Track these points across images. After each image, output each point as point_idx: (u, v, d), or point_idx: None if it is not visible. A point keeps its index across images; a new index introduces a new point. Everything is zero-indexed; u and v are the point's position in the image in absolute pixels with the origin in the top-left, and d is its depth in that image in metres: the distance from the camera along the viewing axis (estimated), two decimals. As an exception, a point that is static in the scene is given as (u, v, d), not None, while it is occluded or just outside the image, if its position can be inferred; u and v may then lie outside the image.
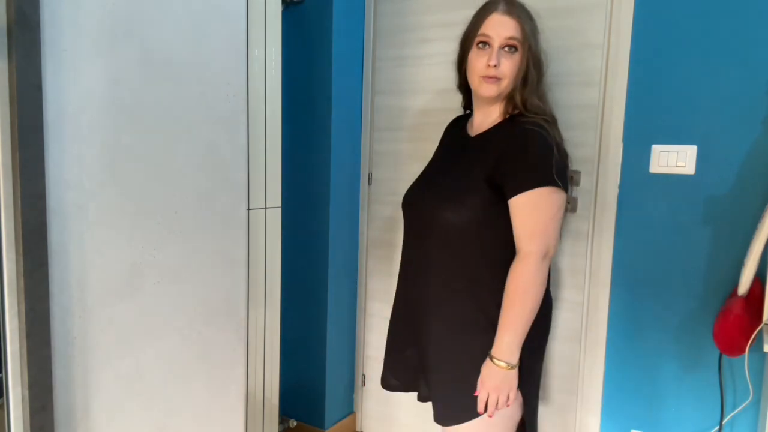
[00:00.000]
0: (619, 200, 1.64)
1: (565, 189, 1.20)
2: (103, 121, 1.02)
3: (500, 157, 1.20)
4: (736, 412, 1.53)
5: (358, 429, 2.23)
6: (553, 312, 1.47)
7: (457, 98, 1.48)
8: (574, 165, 1.70)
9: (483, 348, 1.22)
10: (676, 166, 1.56)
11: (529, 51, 1.24)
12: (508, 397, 1.20)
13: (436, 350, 1.31)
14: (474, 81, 1.27)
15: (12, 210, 0.89)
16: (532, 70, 1.25)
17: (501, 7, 1.23)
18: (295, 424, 2.07)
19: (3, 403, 0.93)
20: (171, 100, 1.14)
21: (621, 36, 1.60)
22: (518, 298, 1.17)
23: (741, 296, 1.38)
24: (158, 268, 1.14)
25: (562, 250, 1.73)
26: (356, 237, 2.15)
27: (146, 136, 1.10)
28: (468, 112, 1.48)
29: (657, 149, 1.58)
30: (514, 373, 1.19)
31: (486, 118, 1.33)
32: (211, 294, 1.27)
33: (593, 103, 1.66)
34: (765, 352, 1.22)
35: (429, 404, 1.42)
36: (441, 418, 1.31)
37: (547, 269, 1.22)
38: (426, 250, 1.30)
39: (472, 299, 1.26)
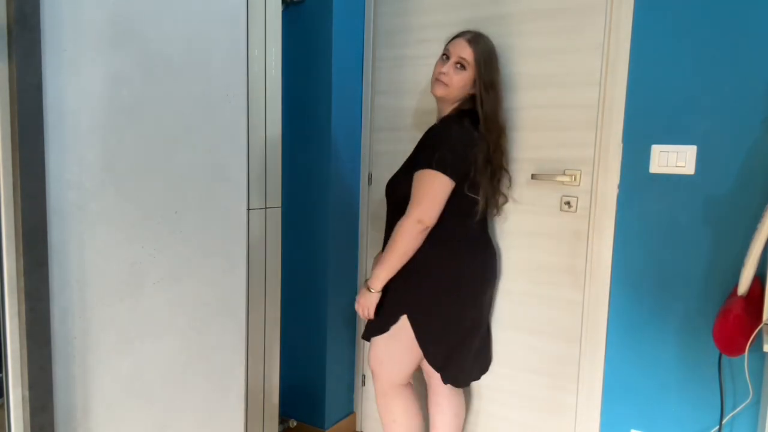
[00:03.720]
0: (618, 200, 1.64)
1: (452, 177, 1.48)
2: (103, 121, 1.02)
3: (419, 145, 1.60)
4: (735, 412, 1.53)
5: (358, 429, 2.23)
6: (468, 288, 1.62)
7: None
8: (574, 165, 1.70)
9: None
10: (676, 166, 1.56)
11: (479, 74, 1.55)
12: (368, 311, 1.59)
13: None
14: (431, 80, 1.62)
15: (12, 209, 0.89)
16: (482, 90, 1.56)
17: (467, 36, 1.58)
18: (295, 424, 2.07)
19: (3, 403, 0.93)
20: (171, 99, 1.14)
21: (621, 36, 1.60)
22: (392, 244, 1.51)
23: (741, 296, 1.38)
24: (158, 268, 1.14)
25: (561, 251, 1.74)
26: (356, 237, 2.15)
27: (146, 136, 1.10)
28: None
29: (657, 149, 1.58)
30: (376, 296, 1.56)
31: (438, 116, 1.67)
32: (211, 294, 1.27)
33: (593, 103, 1.66)
34: (765, 352, 1.22)
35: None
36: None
37: (422, 233, 1.49)
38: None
39: None
